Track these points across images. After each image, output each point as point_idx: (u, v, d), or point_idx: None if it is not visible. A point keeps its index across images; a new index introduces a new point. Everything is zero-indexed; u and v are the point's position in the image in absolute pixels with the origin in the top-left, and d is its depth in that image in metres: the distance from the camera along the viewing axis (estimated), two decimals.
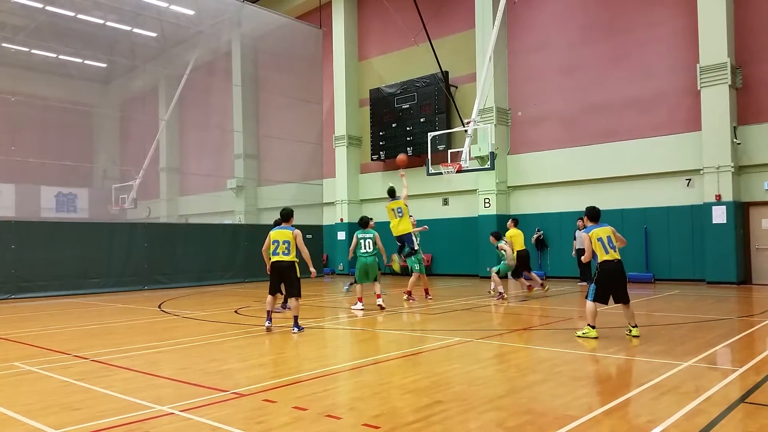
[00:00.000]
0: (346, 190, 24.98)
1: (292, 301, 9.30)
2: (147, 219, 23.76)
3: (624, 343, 7.58)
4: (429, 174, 18.37)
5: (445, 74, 21.06)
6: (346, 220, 24.86)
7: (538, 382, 5.63)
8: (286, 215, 9.51)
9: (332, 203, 25.46)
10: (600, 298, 8.08)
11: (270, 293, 9.33)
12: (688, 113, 16.97)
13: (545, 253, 19.94)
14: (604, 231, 8.30)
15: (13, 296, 16.06)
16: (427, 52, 19.85)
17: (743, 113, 16.29)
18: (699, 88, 16.43)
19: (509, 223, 14.96)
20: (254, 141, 26.94)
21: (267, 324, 9.12)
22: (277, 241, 9.15)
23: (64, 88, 23.36)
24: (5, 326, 10.54)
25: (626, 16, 18.25)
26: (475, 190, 20.99)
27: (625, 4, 18.28)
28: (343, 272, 24.74)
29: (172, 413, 4.73)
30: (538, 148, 20.14)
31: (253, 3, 24.99)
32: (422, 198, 22.72)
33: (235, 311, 12.29)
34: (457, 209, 22.10)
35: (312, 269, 9.50)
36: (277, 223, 10.79)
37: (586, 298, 8.25)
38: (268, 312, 9.24)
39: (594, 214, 8.50)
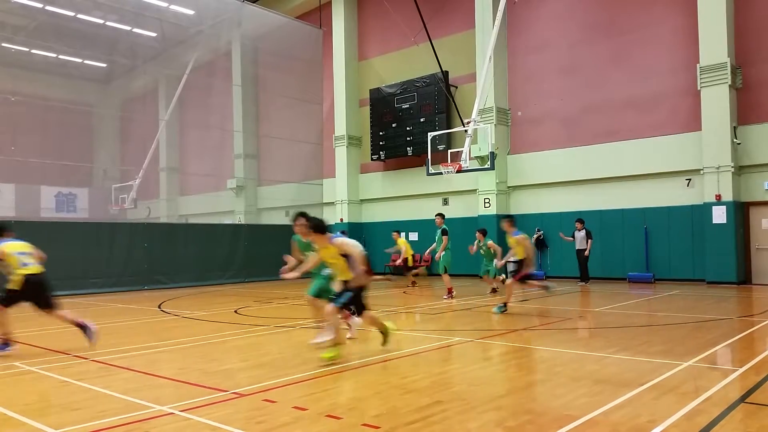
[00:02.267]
0: (346, 190, 24.98)
1: (56, 313, 8.00)
2: (147, 219, 23.78)
3: (623, 342, 7.58)
4: (429, 174, 18.38)
5: (445, 74, 21.05)
6: (346, 220, 24.86)
7: (537, 382, 5.63)
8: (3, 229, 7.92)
9: (332, 203, 25.46)
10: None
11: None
12: (688, 113, 16.97)
13: (545, 253, 19.94)
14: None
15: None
16: (427, 52, 19.86)
17: (743, 113, 16.28)
18: (699, 88, 16.43)
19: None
20: (254, 141, 26.95)
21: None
22: (24, 253, 7.75)
23: (64, 88, 23.40)
24: None
25: (626, 16, 18.25)
26: (475, 190, 20.99)
27: (625, 4, 18.28)
28: None
29: (172, 413, 4.73)
30: (538, 148, 20.14)
31: (253, 3, 24.99)
32: (422, 198, 22.73)
33: (235, 311, 12.30)
34: (457, 209, 22.09)
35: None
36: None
37: (334, 304, 6.71)
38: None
39: (322, 226, 6.77)
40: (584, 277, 17.37)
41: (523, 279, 11.05)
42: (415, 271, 18.09)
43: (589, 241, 17.11)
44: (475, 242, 14.83)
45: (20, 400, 5.29)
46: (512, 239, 11.07)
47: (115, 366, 6.73)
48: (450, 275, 14.29)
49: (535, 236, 19.81)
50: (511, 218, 11.57)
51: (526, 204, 20.60)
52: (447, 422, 4.39)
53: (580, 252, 17.31)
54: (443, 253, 14.18)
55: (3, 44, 21.31)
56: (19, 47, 21.96)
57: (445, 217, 15.47)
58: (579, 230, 17.31)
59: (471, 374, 6.11)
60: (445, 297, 13.80)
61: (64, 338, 8.98)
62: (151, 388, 5.66)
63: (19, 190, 22.03)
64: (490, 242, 14.70)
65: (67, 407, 4.98)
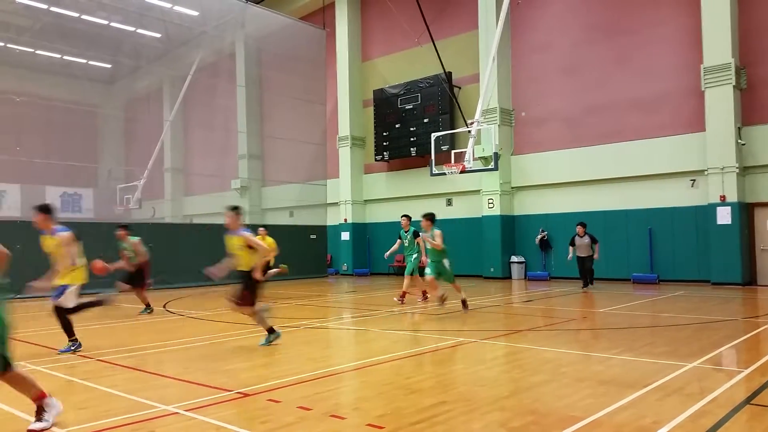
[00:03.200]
0: (349, 190, 25.00)
1: None
2: (151, 219, 23.83)
3: (628, 343, 7.56)
4: (433, 174, 18.35)
5: (449, 75, 21.06)
6: (350, 221, 24.87)
7: (542, 383, 5.62)
8: None
9: (336, 204, 25.48)
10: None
11: None
12: (692, 114, 16.93)
13: (549, 253, 19.91)
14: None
15: (18, 296, 16.07)
16: (431, 53, 19.86)
17: (748, 114, 16.24)
18: (703, 89, 16.38)
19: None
20: (258, 141, 26.99)
21: None
22: None
23: (69, 88, 23.45)
24: None
25: (630, 17, 18.22)
26: (479, 190, 20.99)
27: (628, 4, 18.25)
28: (347, 272, 24.75)
29: (177, 413, 4.74)
30: (541, 149, 20.12)
31: (257, 4, 25.04)
32: (426, 198, 22.72)
33: None
34: (461, 210, 22.10)
35: None
36: None
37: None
38: None
39: (48, 208, 7.59)
40: (588, 281, 16.46)
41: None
42: (273, 271, 15.98)
43: (596, 245, 15.64)
44: (401, 232, 12.44)
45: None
46: (237, 239, 7.84)
47: (120, 365, 6.74)
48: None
49: (539, 237, 19.79)
50: (234, 212, 8.09)
51: (529, 205, 20.58)
52: (451, 423, 4.38)
53: (581, 259, 15.80)
54: (416, 255, 12.87)
55: (8, 45, 21.40)
56: (23, 48, 22.03)
57: (435, 217, 14.50)
58: (581, 236, 15.68)
59: (475, 375, 6.11)
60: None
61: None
62: (155, 388, 5.68)
63: (24, 191, 22.10)
64: (437, 231, 11.18)
65: (71, 406, 4.99)
